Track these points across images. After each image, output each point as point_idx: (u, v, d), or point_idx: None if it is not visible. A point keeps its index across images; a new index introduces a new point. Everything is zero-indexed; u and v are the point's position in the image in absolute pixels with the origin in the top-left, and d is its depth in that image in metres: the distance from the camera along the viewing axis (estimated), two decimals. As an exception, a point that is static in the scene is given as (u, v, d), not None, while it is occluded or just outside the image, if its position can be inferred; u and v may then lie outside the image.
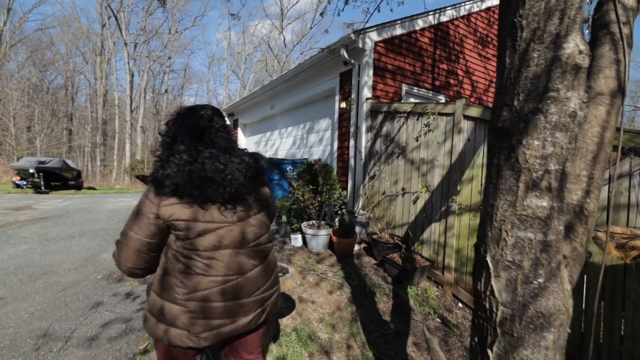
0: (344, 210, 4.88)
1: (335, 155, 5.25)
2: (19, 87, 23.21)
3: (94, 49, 26.63)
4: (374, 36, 4.68)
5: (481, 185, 3.14)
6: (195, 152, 1.13)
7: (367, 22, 4.35)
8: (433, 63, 5.54)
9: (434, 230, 3.61)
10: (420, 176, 3.82)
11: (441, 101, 5.63)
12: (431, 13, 5.31)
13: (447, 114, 3.53)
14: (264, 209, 1.35)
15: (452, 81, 5.86)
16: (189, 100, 36.64)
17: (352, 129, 4.80)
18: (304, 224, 4.28)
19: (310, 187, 4.47)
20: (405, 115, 4.03)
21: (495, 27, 6.58)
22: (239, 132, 9.94)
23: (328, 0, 4.46)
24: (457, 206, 3.35)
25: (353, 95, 4.77)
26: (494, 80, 6.69)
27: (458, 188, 3.35)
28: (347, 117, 4.96)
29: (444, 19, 5.56)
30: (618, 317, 2.05)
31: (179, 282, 1.14)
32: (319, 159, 5.07)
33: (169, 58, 28.83)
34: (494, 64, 6.62)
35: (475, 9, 6.06)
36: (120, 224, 5.84)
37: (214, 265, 1.15)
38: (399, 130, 4.15)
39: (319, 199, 4.35)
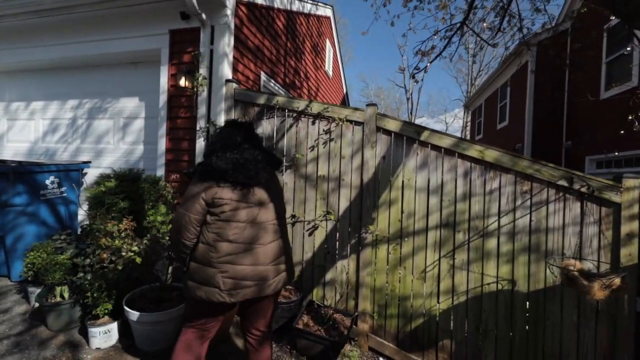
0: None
1: (163, 161, 3.23)
2: None
3: None
4: (237, -9, 3.20)
5: (402, 211, 2.68)
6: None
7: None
8: (285, 56, 4.69)
9: (341, 269, 2.81)
10: (319, 199, 2.89)
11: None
12: (286, -6, 4.44)
13: (355, 122, 2.82)
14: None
15: (297, 82, 5.27)
16: None
17: (200, 124, 3.06)
18: (127, 301, 2.17)
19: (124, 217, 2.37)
20: (295, 114, 2.95)
21: (322, 38, 6.67)
22: None
23: None
24: (373, 237, 2.73)
25: (202, 71, 3.05)
26: (321, 89, 6.80)
27: (373, 215, 2.74)
28: (190, 103, 3.13)
29: (294, 8, 4.84)
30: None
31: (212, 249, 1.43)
32: (142, 169, 2.91)
33: None
34: (321, 74, 6.71)
35: (313, 12, 5.80)
36: None
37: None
38: (284, 134, 2.99)
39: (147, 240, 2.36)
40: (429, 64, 4.67)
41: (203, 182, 1.43)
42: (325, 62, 7.04)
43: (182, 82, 2.98)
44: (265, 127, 3.02)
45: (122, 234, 1.98)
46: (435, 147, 2.63)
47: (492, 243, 2.47)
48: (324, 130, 2.90)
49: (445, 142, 2.59)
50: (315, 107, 2.86)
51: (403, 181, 2.71)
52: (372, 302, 2.72)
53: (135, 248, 1.88)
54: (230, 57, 3.14)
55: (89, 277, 2.39)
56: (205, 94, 3.06)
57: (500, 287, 2.43)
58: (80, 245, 2.61)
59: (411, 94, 27.08)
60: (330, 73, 7.50)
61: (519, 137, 10.31)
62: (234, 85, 3.06)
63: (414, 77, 5.04)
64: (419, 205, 2.66)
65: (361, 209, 2.77)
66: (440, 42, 4.65)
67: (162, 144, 3.22)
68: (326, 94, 7.29)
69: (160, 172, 3.22)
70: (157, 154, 3.25)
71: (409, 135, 2.68)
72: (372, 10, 4.23)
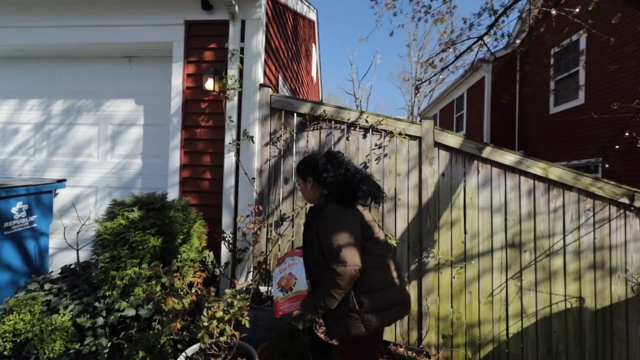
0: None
1: (177, 179, 2.62)
2: None
3: None
4: (270, -18, 2.77)
5: (465, 232, 2.53)
6: None
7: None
8: (291, 59, 4.30)
9: (402, 297, 2.55)
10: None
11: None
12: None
13: (411, 136, 2.61)
14: None
15: (297, 87, 4.89)
16: None
17: (230, 135, 2.56)
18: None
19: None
20: (344, 126, 2.63)
21: (310, 42, 6.36)
22: None
23: None
24: (436, 262, 2.52)
25: (232, 72, 2.56)
26: (310, 95, 6.47)
27: (435, 237, 2.54)
28: (213, 110, 2.60)
29: (297, 8, 4.48)
30: None
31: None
32: (165, 193, 2.30)
33: None
34: (309, 79, 6.38)
35: (307, 14, 5.47)
36: None
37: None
38: (331, 148, 2.64)
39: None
40: (443, 77, 4.68)
41: (352, 207, 1.38)
42: (312, 67, 6.75)
43: (210, 84, 2.45)
44: (310, 141, 2.63)
45: (192, 290, 1.45)
46: (497, 164, 2.54)
47: (558, 262, 2.45)
48: (376, 145, 2.63)
49: (508, 159, 2.51)
50: (370, 119, 2.58)
51: (465, 200, 2.56)
52: (437, 333, 2.51)
53: (220, 313, 1.34)
54: (262, 57, 2.69)
55: (105, 344, 1.78)
56: (235, 100, 2.57)
57: (569, 305, 2.41)
58: (84, 298, 1.94)
59: (360, 101, 27.97)
60: (315, 79, 7.23)
61: (478, 146, 11.16)
62: (270, 90, 2.62)
63: (417, 89, 5.06)
64: (483, 225, 2.53)
65: (421, 230, 2.55)
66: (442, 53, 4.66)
67: (176, 158, 2.62)
68: (312, 100, 6.99)
69: (173, 192, 2.61)
70: (168, 171, 2.64)
71: (469, 152, 2.55)
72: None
